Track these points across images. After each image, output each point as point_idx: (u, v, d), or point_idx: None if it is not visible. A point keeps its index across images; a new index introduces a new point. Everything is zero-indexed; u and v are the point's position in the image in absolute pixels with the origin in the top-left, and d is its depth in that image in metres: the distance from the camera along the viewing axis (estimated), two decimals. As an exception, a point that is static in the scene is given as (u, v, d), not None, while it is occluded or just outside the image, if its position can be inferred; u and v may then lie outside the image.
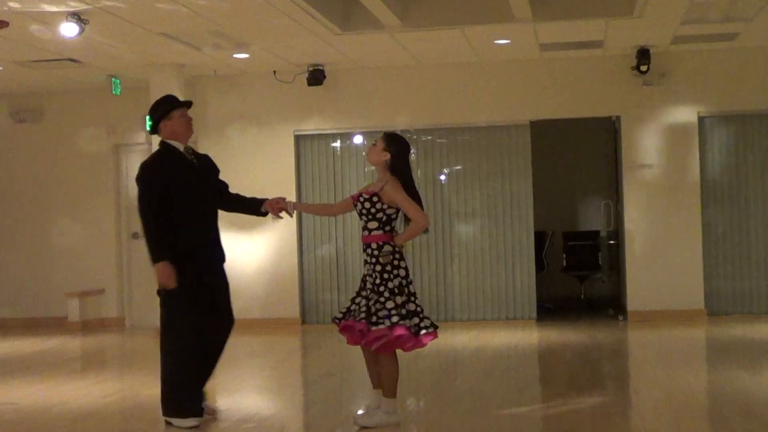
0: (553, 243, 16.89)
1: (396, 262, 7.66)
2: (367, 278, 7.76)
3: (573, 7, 12.36)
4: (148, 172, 7.95)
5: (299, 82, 14.98)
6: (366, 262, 7.78)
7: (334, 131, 15.47)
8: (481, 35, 13.26)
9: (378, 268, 7.66)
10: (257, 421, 8.31)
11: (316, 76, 14.75)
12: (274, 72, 15.18)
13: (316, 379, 11.03)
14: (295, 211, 8.17)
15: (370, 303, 7.67)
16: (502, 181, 15.17)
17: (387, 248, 7.67)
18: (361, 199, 7.79)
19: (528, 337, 13.59)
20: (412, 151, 15.15)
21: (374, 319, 7.61)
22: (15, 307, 16.30)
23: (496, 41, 13.65)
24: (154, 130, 8.16)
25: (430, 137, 15.35)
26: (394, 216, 7.76)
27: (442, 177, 15.29)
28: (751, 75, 14.68)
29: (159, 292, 7.94)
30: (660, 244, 14.72)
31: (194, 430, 7.84)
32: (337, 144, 15.51)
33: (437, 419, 8.47)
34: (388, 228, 7.72)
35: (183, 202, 7.85)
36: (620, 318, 15.02)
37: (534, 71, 15.03)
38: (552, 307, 16.06)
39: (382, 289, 7.61)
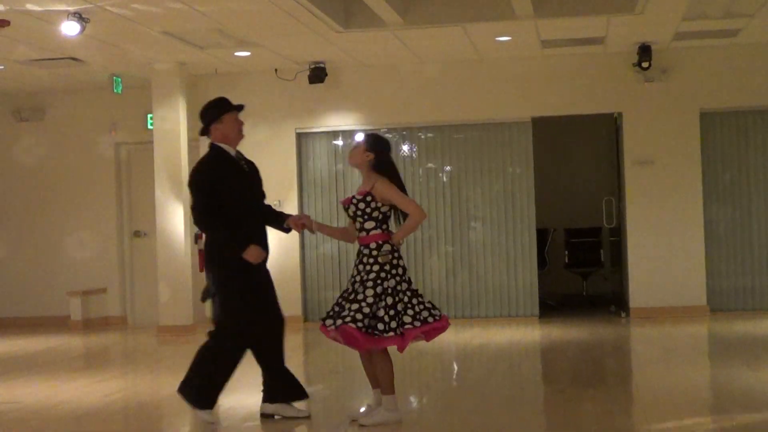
0: (555, 240, 16.88)
1: (395, 261, 7.64)
2: (356, 278, 7.70)
3: (574, 4, 12.36)
4: (201, 176, 7.93)
5: (301, 80, 14.98)
6: (360, 263, 7.70)
7: (336, 129, 15.47)
8: (483, 32, 13.25)
9: (376, 267, 7.60)
10: (259, 419, 8.31)
11: (318, 74, 14.73)
12: (276, 70, 15.18)
13: (318, 377, 11.03)
14: (316, 230, 8.15)
15: (352, 300, 7.62)
16: (503, 178, 15.17)
17: (386, 247, 7.63)
18: (354, 200, 7.74)
19: (530, 334, 13.60)
20: (413, 149, 15.37)
21: (369, 323, 7.59)
22: (17, 306, 16.31)
23: (497, 38, 13.64)
24: (204, 132, 8.08)
25: (431, 134, 15.35)
26: (389, 213, 7.73)
27: (447, 168, 15.30)
28: (753, 71, 14.67)
29: (204, 297, 8.01)
30: (662, 240, 14.71)
31: (210, 426, 7.86)
32: (339, 142, 15.51)
33: (440, 416, 8.47)
34: (385, 226, 7.70)
35: (234, 206, 7.84)
36: (622, 315, 15.02)
37: (535, 68, 15.03)
38: (554, 304, 16.05)
39: (370, 289, 7.56)
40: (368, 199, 7.68)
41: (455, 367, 11.52)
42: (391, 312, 7.53)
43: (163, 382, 10.45)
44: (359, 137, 15.29)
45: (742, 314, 14.47)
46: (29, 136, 16.39)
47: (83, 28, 11.18)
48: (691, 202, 14.68)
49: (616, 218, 15.83)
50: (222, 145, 8.00)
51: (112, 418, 8.78)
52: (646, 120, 14.80)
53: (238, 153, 8.11)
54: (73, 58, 13.63)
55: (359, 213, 7.71)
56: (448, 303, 15.12)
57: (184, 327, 14.48)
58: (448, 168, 15.33)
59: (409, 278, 7.74)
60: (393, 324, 7.51)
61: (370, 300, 7.51)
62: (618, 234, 16.00)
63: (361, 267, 7.67)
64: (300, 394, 8.20)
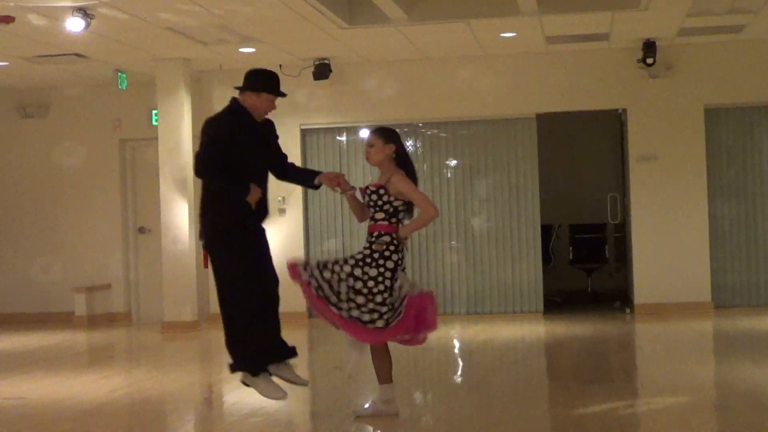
0: (560, 236, 16.88)
1: (387, 254, 7.64)
2: (351, 258, 7.73)
3: (579, 0, 12.35)
4: (215, 127, 7.85)
5: (305, 76, 14.97)
6: (364, 247, 7.78)
7: (340, 125, 15.47)
8: (487, 28, 13.25)
9: (367, 252, 7.67)
10: (264, 415, 8.32)
11: (322, 70, 14.74)
12: (280, 66, 15.15)
13: (323, 373, 11.03)
14: (349, 192, 8.09)
15: (342, 287, 7.65)
16: (508, 175, 15.17)
17: (385, 238, 7.67)
18: (368, 191, 7.81)
19: (535, 330, 13.60)
20: (418, 145, 15.36)
21: (348, 306, 7.64)
22: (22, 302, 16.32)
23: (502, 34, 13.63)
24: (241, 89, 7.99)
25: (435, 130, 15.34)
26: (401, 208, 7.74)
27: (452, 164, 15.30)
28: (757, 67, 14.65)
29: (205, 245, 7.95)
30: (667, 236, 14.70)
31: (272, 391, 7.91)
32: (343, 138, 15.52)
33: (444, 412, 8.47)
34: (394, 220, 7.72)
35: (241, 163, 7.78)
36: (627, 311, 15.02)
37: (540, 64, 15.02)
38: (559, 300, 16.05)
39: (361, 273, 7.61)
40: (381, 192, 7.73)
41: (460, 362, 11.53)
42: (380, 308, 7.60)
43: (168, 378, 10.47)
44: (366, 135, 15.35)
45: (747, 310, 14.46)
46: (34, 133, 16.40)
47: (88, 25, 11.19)
48: (696, 198, 14.67)
49: (620, 214, 15.82)
50: (246, 105, 7.95)
51: (116, 414, 8.79)
52: (651, 116, 14.79)
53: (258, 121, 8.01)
54: (78, 55, 13.64)
55: (371, 203, 7.78)
56: (453, 299, 15.13)
57: (189, 323, 14.48)
58: (452, 164, 15.33)
59: (397, 278, 7.67)
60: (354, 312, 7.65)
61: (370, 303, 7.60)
62: (622, 230, 15.99)
63: (362, 250, 7.73)
64: (289, 352, 8.12)
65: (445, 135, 15.34)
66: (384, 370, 7.82)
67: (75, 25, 11.15)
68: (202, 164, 7.80)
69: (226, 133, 7.78)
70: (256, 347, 7.91)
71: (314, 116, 15.42)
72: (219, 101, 15.24)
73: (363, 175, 15.23)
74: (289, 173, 8.40)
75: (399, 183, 7.70)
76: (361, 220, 7.99)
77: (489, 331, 13.42)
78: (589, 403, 8.45)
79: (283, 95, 8.11)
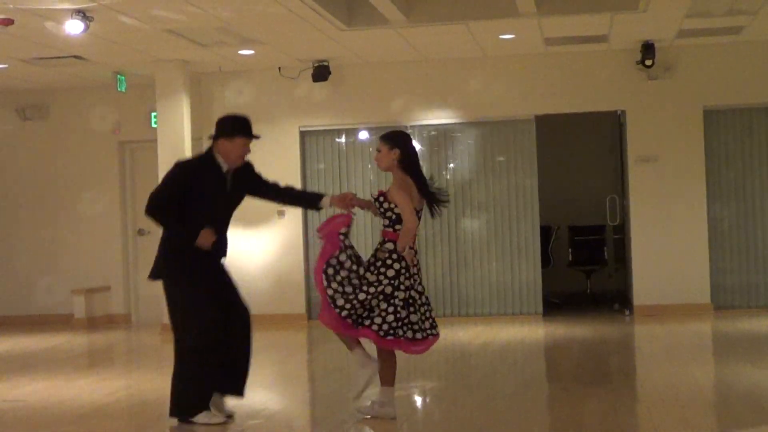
0: (559, 237, 16.88)
1: (389, 262, 7.63)
2: (365, 262, 7.77)
3: (578, 2, 12.36)
4: (180, 171, 7.95)
5: (304, 78, 14.98)
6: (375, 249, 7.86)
7: (340, 127, 15.47)
8: (486, 30, 13.25)
9: (372, 260, 7.70)
10: (264, 417, 8.32)
11: (322, 72, 14.74)
12: (279, 68, 15.19)
13: (322, 375, 11.04)
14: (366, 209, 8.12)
15: (362, 296, 7.66)
16: (507, 176, 15.17)
17: (388, 245, 7.67)
18: (374, 198, 7.86)
19: (534, 331, 13.60)
20: (417, 147, 15.33)
21: (366, 315, 7.65)
22: (21, 304, 16.31)
23: (500, 36, 13.64)
24: (214, 137, 8.02)
25: (434, 132, 15.35)
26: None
27: (451, 166, 15.30)
28: (756, 68, 14.66)
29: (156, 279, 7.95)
30: (666, 238, 14.71)
31: (214, 427, 7.83)
32: (343, 140, 15.52)
33: (444, 414, 8.47)
34: (397, 227, 7.70)
35: (197, 207, 7.80)
36: (626, 312, 15.01)
37: (539, 66, 15.02)
38: (558, 302, 16.05)
39: (363, 273, 7.65)
40: (381, 199, 7.77)
41: (459, 364, 11.52)
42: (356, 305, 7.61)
43: (167, 381, 10.45)
44: (365, 137, 15.36)
45: (746, 312, 14.46)
46: (33, 135, 16.41)
47: (87, 27, 11.19)
48: (695, 199, 14.68)
49: (619, 216, 15.82)
50: (218, 156, 7.96)
51: (116, 416, 8.79)
52: (650, 117, 14.80)
53: (230, 169, 7.98)
54: (77, 57, 13.65)
55: (379, 210, 7.81)
56: (452, 301, 15.13)
57: (188, 325, 14.45)
58: (451, 165, 15.33)
59: (408, 286, 7.66)
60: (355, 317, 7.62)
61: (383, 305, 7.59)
62: (622, 232, 15.99)
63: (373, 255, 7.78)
64: (236, 389, 8.07)
65: (444, 137, 15.35)
66: (386, 373, 7.81)
67: (74, 27, 11.15)
68: (151, 203, 7.86)
69: (187, 178, 7.86)
70: (202, 389, 7.88)
71: (313, 118, 15.42)
72: (219, 103, 15.37)
73: (363, 177, 15.25)
74: (287, 197, 8.35)
75: (394, 191, 7.71)
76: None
77: (488, 333, 13.42)
78: (588, 404, 8.45)
79: (257, 137, 8.06)
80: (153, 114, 15.18)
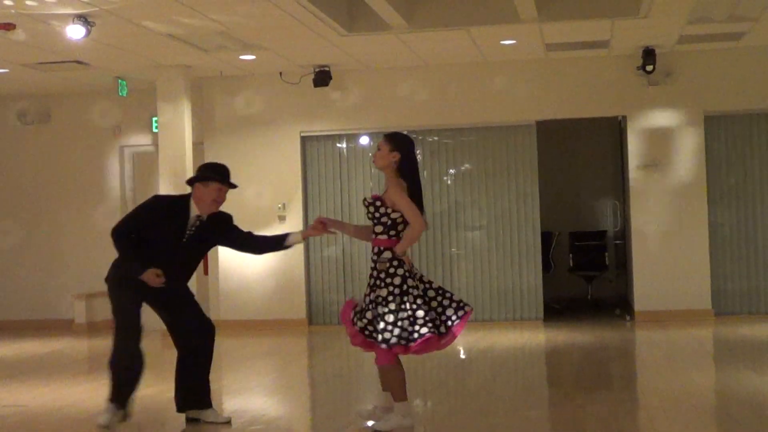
0: (560, 243, 16.88)
1: (392, 270, 7.55)
2: (371, 279, 7.72)
3: (578, 8, 12.36)
4: (150, 208, 8.06)
5: (305, 83, 14.99)
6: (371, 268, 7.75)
7: (341, 132, 15.48)
8: (487, 36, 13.26)
9: (374, 273, 7.63)
10: (264, 422, 8.32)
11: (323, 77, 14.75)
12: (281, 73, 15.20)
13: (323, 381, 11.03)
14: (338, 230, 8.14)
15: (371, 311, 7.64)
16: (508, 182, 15.17)
17: (386, 254, 7.58)
18: (366, 203, 7.73)
19: (535, 337, 13.59)
20: (417, 152, 15.35)
21: (370, 329, 7.61)
22: (22, 309, 16.32)
23: (501, 41, 13.65)
24: (190, 182, 8.05)
25: (436, 138, 15.35)
26: (399, 220, 7.59)
27: (452, 171, 15.31)
28: (756, 74, 14.67)
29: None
30: (667, 243, 14.71)
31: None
32: (344, 145, 15.52)
33: (445, 420, 8.47)
34: (393, 233, 7.60)
35: (153, 245, 7.90)
36: (627, 318, 15.02)
37: (540, 71, 15.03)
38: (559, 308, 16.05)
39: (375, 296, 7.59)
40: (378, 204, 7.62)
41: (460, 369, 11.52)
42: (399, 323, 7.48)
43: (168, 386, 10.42)
44: (366, 141, 15.37)
45: (747, 318, 14.46)
46: (34, 140, 16.42)
47: (88, 32, 11.20)
48: (696, 205, 14.68)
49: (620, 221, 15.82)
50: (192, 203, 7.96)
51: (117, 422, 8.77)
52: (651, 123, 14.81)
53: (201, 217, 7.97)
54: (78, 62, 13.66)
55: (370, 216, 7.70)
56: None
57: (189, 330, 14.45)
58: (452, 171, 15.34)
59: (412, 291, 7.59)
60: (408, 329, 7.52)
61: (389, 317, 7.54)
62: (623, 237, 16.00)
63: (372, 269, 7.70)
64: (201, 403, 8.36)
65: (446, 142, 15.35)
66: (399, 385, 7.77)
67: (76, 32, 11.15)
68: (116, 227, 8.03)
69: (153, 215, 7.97)
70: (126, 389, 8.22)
71: (314, 123, 15.43)
72: (219, 108, 15.39)
73: (363, 181, 15.25)
74: (261, 245, 8.31)
75: (394, 194, 7.57)
76: (366, 238, 7.89)
77: (489, 338, 13.41)
78: (589, 410, 8.45)
79: (233, 186, 8.04)
80: (154, 119, 15.19)
